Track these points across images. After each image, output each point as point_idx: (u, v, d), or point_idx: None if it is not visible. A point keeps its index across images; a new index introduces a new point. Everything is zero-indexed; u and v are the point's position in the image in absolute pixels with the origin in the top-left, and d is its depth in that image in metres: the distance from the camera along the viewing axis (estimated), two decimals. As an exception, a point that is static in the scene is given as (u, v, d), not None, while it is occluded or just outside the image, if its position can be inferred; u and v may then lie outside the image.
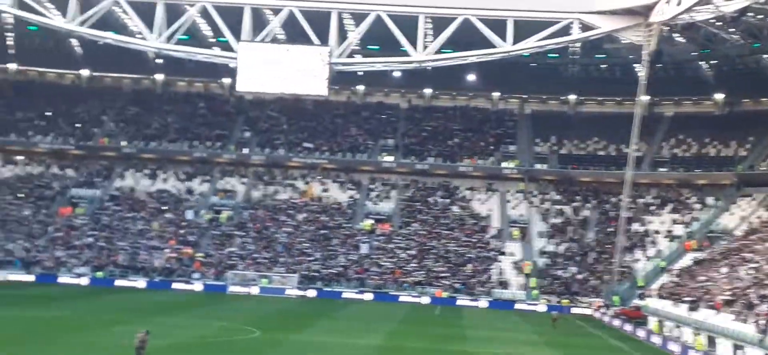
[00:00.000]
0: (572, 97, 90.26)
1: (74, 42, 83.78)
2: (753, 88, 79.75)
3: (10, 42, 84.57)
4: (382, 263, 73.44)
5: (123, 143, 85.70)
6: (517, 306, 68.37)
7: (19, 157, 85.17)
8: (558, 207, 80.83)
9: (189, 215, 78.94)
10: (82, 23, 66.49)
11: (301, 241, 75.91)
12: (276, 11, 68.07)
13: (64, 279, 69.19)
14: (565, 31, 65.07)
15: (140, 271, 71.26)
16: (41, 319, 44.27)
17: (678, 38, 71.28)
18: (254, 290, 67.58)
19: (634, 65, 76.23)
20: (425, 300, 68.60)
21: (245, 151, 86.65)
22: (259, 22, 69.14)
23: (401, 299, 68.78)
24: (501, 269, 73.04)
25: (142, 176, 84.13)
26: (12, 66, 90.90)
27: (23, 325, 41.31)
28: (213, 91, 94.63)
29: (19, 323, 41.73)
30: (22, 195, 80.00)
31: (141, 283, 69.39)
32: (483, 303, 68.46)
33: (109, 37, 70.28)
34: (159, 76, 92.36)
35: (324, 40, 66.93)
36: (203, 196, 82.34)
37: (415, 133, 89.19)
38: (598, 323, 62.04)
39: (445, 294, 69.73)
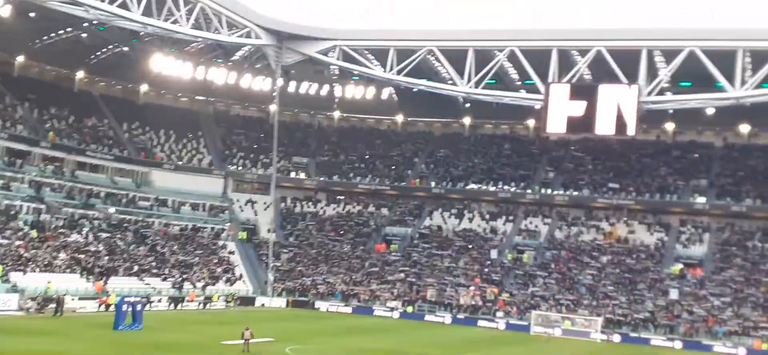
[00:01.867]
0: None
1: (390, 89, 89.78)
2: None
3: (336, 92, 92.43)
4: (694, 310, 69.61)
5: (432, 184, 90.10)
6: None
7: (341, 197, 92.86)
8: None
9: (493, 254, 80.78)
10: (398, 72, 71.27)
11: (606, 283, 74.35)
12: (583, 52, 67.74)
13: (378, 312, 73.93)
14: None
15: (447, 307, 74.10)
16: (359, 349, 47.78)
17: None
18: (557, 332, 67.29)
19: None
20: (742, 352, 63.91)
21: (548, 191, 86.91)
22: (566, 63, 69.21)
23: (715, 348, 64.74)
24: (833, 324, 66.01)
25: (450, 216, 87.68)
26: (336, 114, 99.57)
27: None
28: (518, 132, 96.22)
29: (339, 352, 45.50)
30: (343, 232, 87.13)
31: (447, 318, 72.10)
32: (811, 360, 62.34)
33: (423, 84, 74.12)
34: (467, 120, 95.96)
35: (632, 79, 65.49)
36: (507, 235, 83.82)
37: (731, 173, 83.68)
38: None
39: (764, 346, 64.42)
